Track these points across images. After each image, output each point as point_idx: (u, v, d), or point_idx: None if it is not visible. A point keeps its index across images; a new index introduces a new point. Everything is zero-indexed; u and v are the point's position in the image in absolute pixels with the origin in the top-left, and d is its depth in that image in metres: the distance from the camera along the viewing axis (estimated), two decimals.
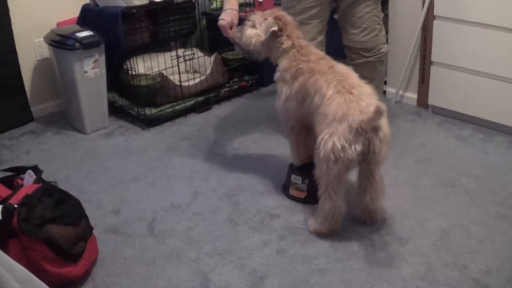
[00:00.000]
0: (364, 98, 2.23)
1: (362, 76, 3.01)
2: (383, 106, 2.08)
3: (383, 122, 2.21)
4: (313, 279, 2.18)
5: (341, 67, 2.43)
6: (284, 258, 2.31)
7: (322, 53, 2.56)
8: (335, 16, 3.13)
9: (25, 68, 3.63)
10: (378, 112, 2.09)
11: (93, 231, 2.34)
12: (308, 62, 2.46)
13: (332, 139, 2.20)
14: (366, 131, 2.17)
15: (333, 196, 2.33)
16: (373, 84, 3.07)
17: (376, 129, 2.20)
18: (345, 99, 2.23)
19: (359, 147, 2.18)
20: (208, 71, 3.85)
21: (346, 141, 2.18)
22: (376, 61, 3.01)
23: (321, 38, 2.99)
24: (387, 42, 3.64)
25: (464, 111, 3.36)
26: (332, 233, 2.41)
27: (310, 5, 2.90)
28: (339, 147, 2.18)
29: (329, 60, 2.48)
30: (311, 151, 2.66)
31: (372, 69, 3.02)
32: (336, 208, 2.35)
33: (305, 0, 2.88)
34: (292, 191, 2.70)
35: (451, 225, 2.46)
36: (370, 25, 2.91)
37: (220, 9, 4.28)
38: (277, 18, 2.54)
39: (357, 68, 2.99)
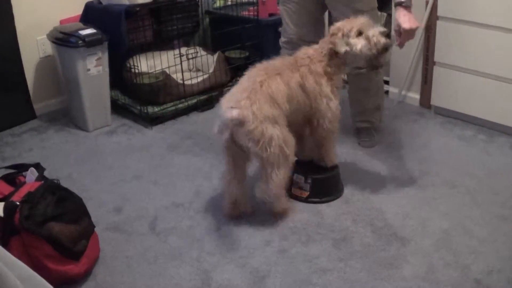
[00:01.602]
0: (246, 95, 2.31)
1: (358, 86, 3.03)
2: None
3: (248, 119, 2.26)
4: (314, 278, 2.18)
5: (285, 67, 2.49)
6: (286, 257, 2.31)
7: (299, 53, 2.60)
8: None
9: (28, 66, 3.64)
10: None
11: (95, 229, 2.34)
12: None
13: (215, 122, 2.38)
14: (229, 123, 2.29)
15: (228, 177, 2.51)
16: (370, 93, 3.09)
17: (239, 124, 2.28)
18: (240, 88, 2.39)
19: (224, 137, 2.34)
20: (211, 70, 3.85)
21: (218, 129, 2.36)
22: (369, 72, 3.00)
23: (310, 27, 3.00)
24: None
25: (466, 111, 3.35)
26: (232, 217, 2.56)
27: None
28: (215, 131, 2.37)
29: (286, 60, 2.56)
30: (309, 151, 2.74)
31: (366, 79, 3.02)
32: (230, 190, 2.51)
33: None
34: (294, 190, 2.70)
35: (453, 226, 2.46)
36: None
37: (223, 8, 4.29)
38: None
39: (352, 78, 3.00)
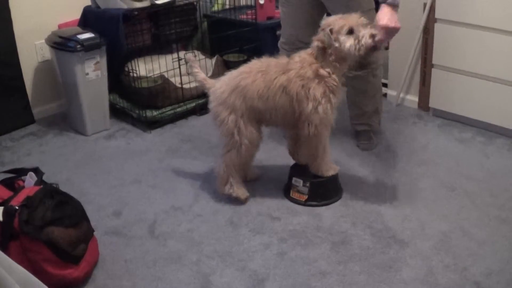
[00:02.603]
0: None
1: (356, 88, 3.04)
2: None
3: (211, 100, 2.63)
4: (313, 281, 2.18)
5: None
6: (285, 260, 2.31)
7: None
8: None
9: (27, 70, 3.64)
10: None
11: (94, 233, 2.34)
12: None
13: None
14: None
15: None
16: (368, 96, 3.09)
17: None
18: (229, 75, 2.64)
19: None
20: (210, 73, 3.85)
21: None
22: (367, 75, 3.00)
23: (308, 28, 2.99)
24: (387, 46, 3.65)
25: (465, 114, 3.36)
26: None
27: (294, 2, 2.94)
28: None
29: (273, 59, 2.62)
30: (303, 156, 2.74)
31: (364, 82, 3.01)
32: None
33: None
34: (293, 194, 2.70)
35: (452, 228, 2.46)
36: None
37: (221, 11, 4.29)
38: None
39: (350, 80, 3.00)
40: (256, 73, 2.53)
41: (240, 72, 2.58)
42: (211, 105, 2.63)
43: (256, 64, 2.58)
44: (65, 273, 2.12)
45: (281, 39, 3.15)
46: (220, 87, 2.59)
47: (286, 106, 2.52)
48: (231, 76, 2.60)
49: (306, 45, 3.00)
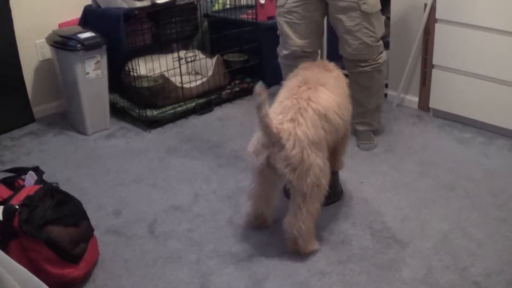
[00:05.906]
0: (291, 114, 2.18)
1: (360, 85, 3.04)
2: (261, 97, 2.05)
3: (290, 143, 2.12)
4: (313, 281, 2.18)
5: (317, 75, 2.41)
6: (285, 260, 2.31)
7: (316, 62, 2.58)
8: None
9: (27, 69, 3.64)
10: (258, 111, 2.06)
11: (94, 232, 2.34)
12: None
13: (251, 141, 2.26)
14: (271, 144, 2.15)
15: (254, 193, 2.41)
16: (372, 92, 3.09)
17: (278, 146, 2.13)
18: (281, 106, 2.25)
19: (261, 158, 2.19)
20: (210, 73, 3.85)
21: (255, 148, 2.22)
22: (372, 70, 3.01)
23: (312, 38, 3.00)
24: (388, 46, 3.65)
25: (465, 114, 3.36)
26: (257, 228, 2.48)
27: (297, 4, 2.91)
28: (250, 151, 2.25)
29: (313, 68, 2.50)
30: None
31: (369, 78, 3.02)
32: (255, 207, 2.42)
33: None
34: None
35: (452, 228, 2.46)
36: (361, 38, 2.89)
37: (222, 11, 4.29)
38: None
39: (354, 76, 3.01)
40: (319, 87, 2.30)
41: (306, 99, 2.23)
42: (290, 154, 2.12)
43: (308, 80, 2.33)
44: (65, 272, 2.12)
45: (284, 51, 3.07)
46: (295, 127, 2.14)
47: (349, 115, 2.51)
48: (300, 109, 2.20)
49: (310, 54, 2.99)
